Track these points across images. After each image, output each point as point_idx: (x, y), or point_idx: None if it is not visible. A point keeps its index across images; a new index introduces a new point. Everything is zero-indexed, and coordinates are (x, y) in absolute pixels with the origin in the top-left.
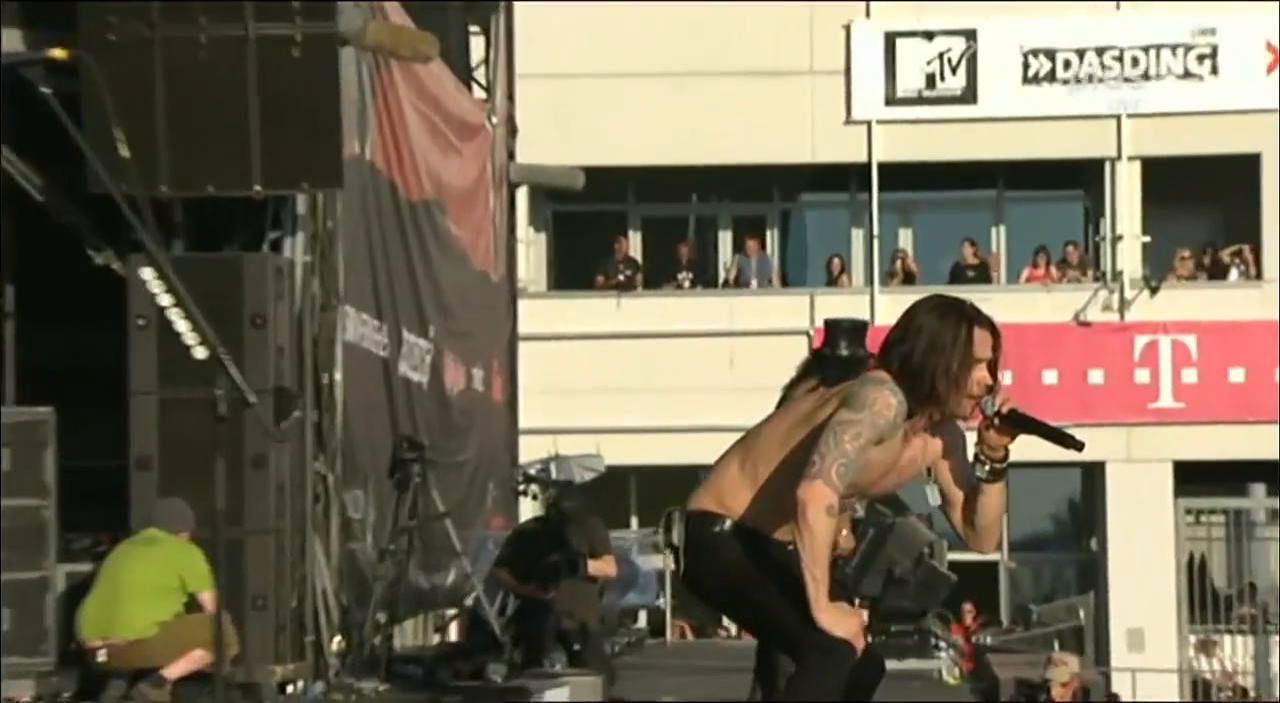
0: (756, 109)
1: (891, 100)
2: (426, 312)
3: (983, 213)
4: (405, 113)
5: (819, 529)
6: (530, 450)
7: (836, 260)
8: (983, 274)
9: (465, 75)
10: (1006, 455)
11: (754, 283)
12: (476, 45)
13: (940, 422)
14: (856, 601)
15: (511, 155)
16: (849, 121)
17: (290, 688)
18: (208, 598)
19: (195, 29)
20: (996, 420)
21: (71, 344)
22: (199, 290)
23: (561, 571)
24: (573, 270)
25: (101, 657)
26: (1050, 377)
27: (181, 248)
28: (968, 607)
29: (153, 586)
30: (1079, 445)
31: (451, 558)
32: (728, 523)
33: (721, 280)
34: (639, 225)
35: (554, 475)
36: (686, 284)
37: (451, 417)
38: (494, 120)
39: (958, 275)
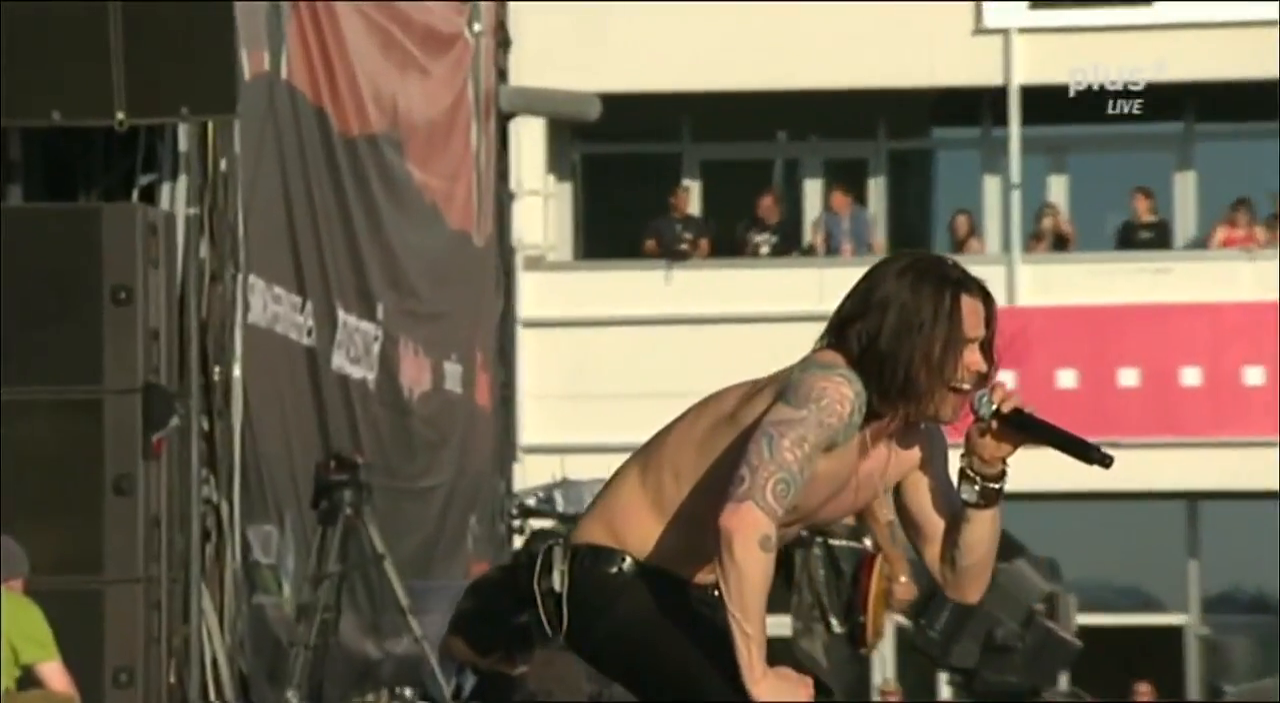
0: (856, 18)
1: (1038, 1)
2: (372, 285)
3: (1163, 153)
4: (340, 17)
5: (750, 569)
6: (534, 474)
7: (963, 218)
8: (1161, 237)
9: None
10: (1004, 472)
11: (846, 248)
12: None
13: (913, 425)
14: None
15: (503, 76)
16: (980, 31)
17: None
18: (51, 670)
19: None
20: (994, 423)
21: None
22: (43, 253)
23: (533, 636)
24: (609, 234)
25: None
26: (1255, 376)
27: (19, 196)
28: (1142, 687)
29: None
30: (1105, 460)
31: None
32: (627, 562)
33: (806, 244)
34: (697, 172)
35: (560, 507)
36: (765, 250)
37: (411, 426)
38: (476, 28)
39: (1128, 238)
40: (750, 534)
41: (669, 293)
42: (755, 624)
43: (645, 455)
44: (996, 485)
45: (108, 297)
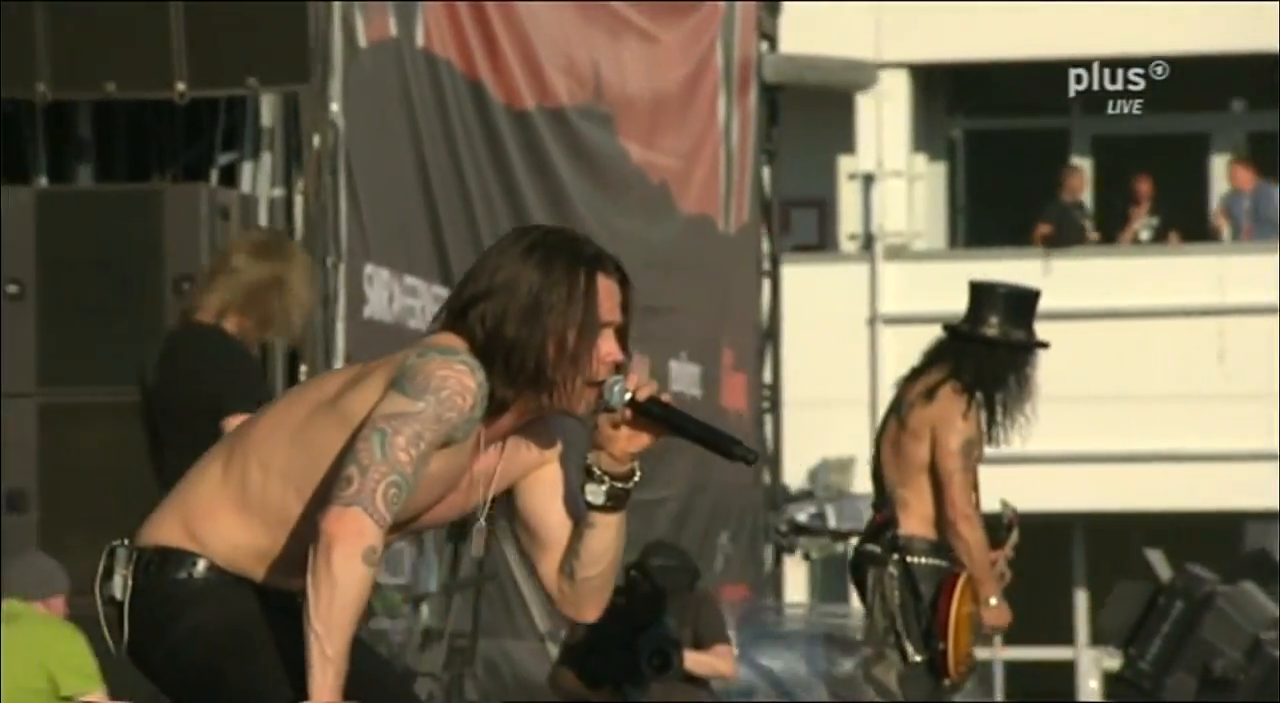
0: None
1: None
2: None
3: None
4: None
5: (347, 583)
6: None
7: None
8: None
9: None
10: (634, 471)
11: (1247, 230)
12: None
13: (539, 419)
14: None
15: (770, 41)
16: None
17: None
18: None
19: None
20: (628, 413)
21: None
22: (99, 240)
23: (643, 669)
24: (981, 219)
25: None
26: None
27: (90, 176)
28: None
29: (9, 687)
30: (748, 457)
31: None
32: (200, 566)
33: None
34: (1087, 149)
35: (832, 523)
36: (1145, 235)
37: None
38: None
39: None
40: (355, 544)
41: (1047, 285)
42: (338, 647)
43: (230, 444)
44: (625, 486)
45: (169, 288)
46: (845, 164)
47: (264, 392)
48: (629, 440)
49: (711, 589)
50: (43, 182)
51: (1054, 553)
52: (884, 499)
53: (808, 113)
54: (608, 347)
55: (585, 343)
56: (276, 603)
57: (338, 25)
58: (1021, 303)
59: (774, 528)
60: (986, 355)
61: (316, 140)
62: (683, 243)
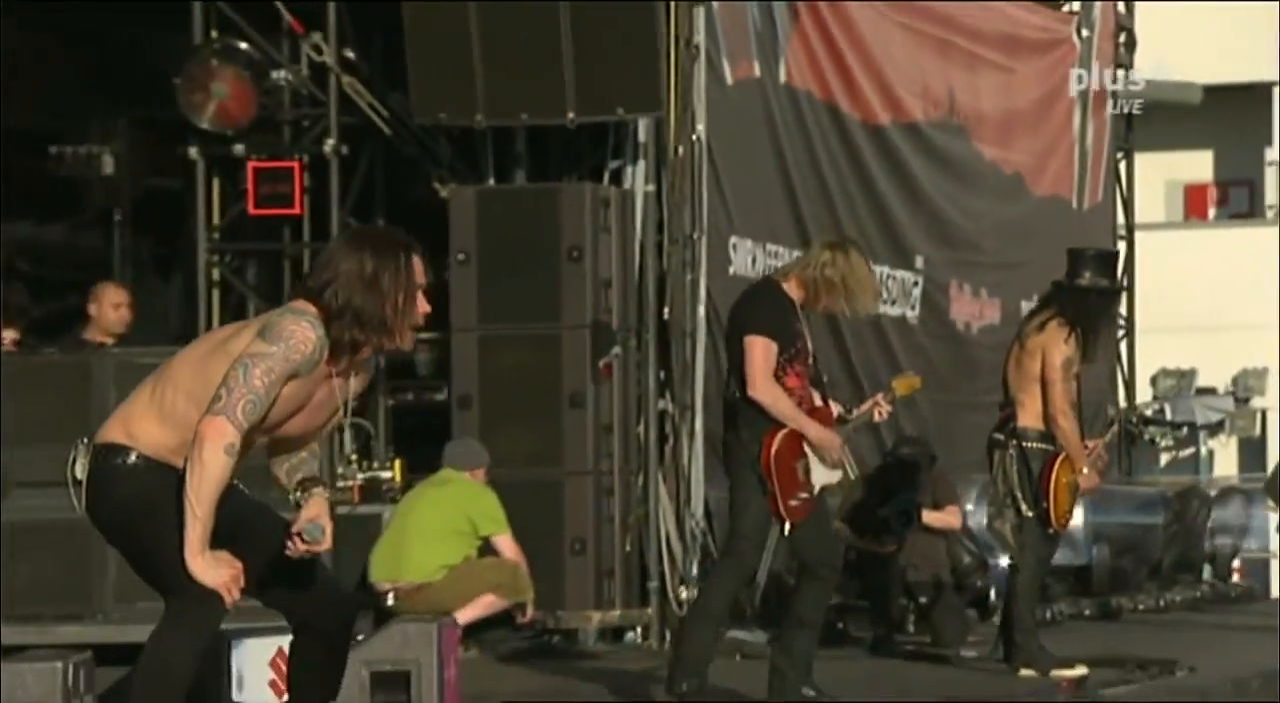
0: None
1: None
2: (909, 242)
3: None
4: (865, 30)
5: (212, 467)
6: None
7: None
8: None
9: None
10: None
11: None
12: None
13: (362, 361)
14: None
15: (1125, 68)
16: None
17: (631, 635)
18: (502, 542)
19: None
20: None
21: None
22: (516, 223)
23: (891, 524)
24: None
25: (389, 600)
26: None
27: (524, 178)
28: None
29: (441, 529)
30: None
31: None
32: (133, 455)
33: None
34: None
35: (1170, 416)
36: None
37: (971, 353)
38: (1085, 34)
39: None
40: (219, 441)
41: None
42: (205, 510)
43: (159, 371)
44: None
45: (564, 255)
46: (1269, 153)
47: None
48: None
49: (945, 468)
50: (490, 182)
51: None
52: (1007, 400)
53: (1236, 110)
54: (422, 302)
55: (410, 301)
56: (182, 484)
57: (702, 68)
58: (1106, 261)
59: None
60: (1081, 299)
61: (681, 150)
62: (1036, 217)
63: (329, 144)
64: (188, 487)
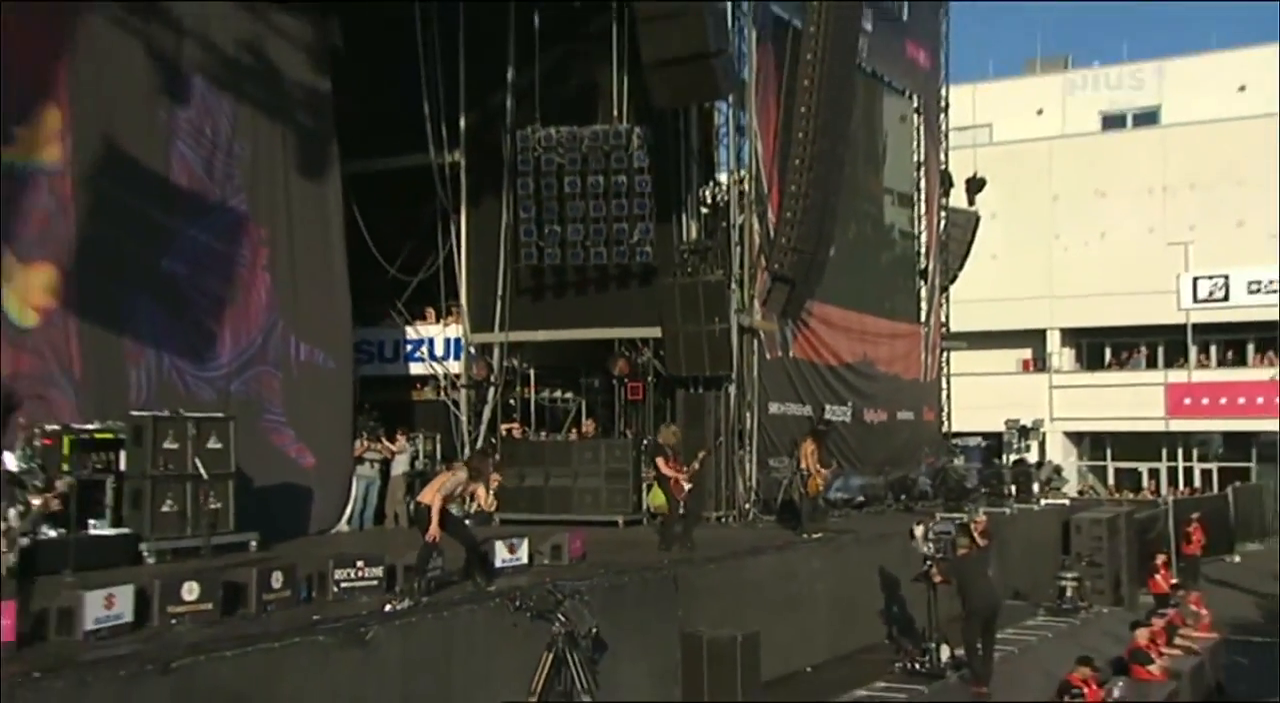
0: None
1: None
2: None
3: None
4: (827, 334)
5: None
6: None
7: None
8: None
9: None
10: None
11: None
12: None
13: None
14: None
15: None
16: None
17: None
18: None
19: None
20: None
21: None
22: None
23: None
24: None
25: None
26: None
27: None
28: None
29: None
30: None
31: None
32: None
33: None
34: None
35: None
36: None
37: (872, 435)
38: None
39: None
40: None
41: None
42: None
43: None
44: None
45: None
46: None
47: None
48: None
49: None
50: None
51: None
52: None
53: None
54: None
55: None
56: None
57: (755, 352)
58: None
59: None
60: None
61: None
62: (892, 384)
63: None
64: None
